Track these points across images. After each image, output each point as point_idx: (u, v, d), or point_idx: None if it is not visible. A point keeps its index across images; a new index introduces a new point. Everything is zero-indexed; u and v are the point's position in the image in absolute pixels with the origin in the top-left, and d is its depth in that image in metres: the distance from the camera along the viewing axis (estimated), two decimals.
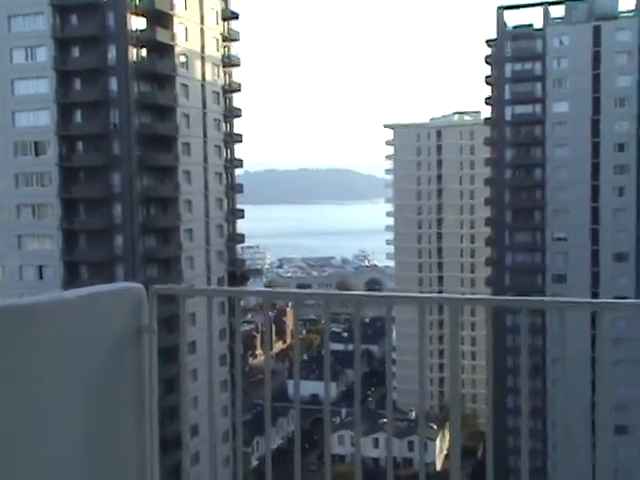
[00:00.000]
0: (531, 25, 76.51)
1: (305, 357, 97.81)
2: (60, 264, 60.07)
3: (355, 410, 3.50)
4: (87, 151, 60.75)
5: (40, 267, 60.79)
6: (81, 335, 2.69)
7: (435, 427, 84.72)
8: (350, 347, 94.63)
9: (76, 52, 60.68)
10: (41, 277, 60.79)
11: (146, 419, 2.93)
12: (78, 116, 60.95)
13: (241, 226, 74.75)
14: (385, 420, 75.72)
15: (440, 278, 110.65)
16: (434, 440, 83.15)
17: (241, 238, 74.84)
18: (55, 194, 59.98)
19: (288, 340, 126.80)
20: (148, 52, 62.05)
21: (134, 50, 60.60)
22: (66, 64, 59.92)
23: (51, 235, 60.33)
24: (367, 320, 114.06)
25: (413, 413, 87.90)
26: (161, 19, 61.48)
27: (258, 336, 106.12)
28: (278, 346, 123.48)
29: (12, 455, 2.50)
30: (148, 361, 2.93)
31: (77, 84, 60.79)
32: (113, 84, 59.89)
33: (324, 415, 3.69)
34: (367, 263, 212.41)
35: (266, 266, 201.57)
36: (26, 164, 60.52)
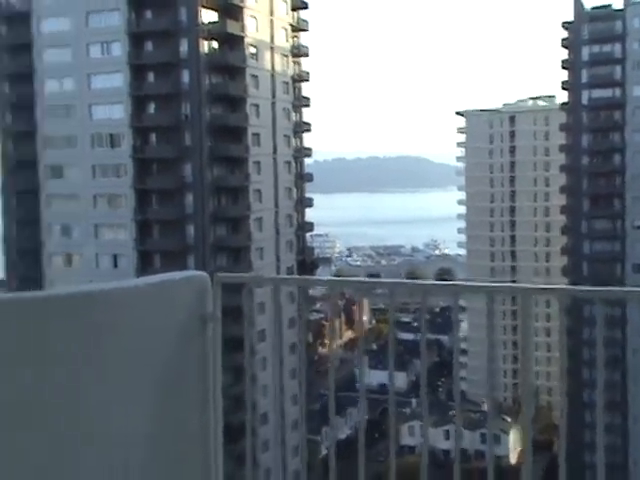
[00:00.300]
0: (610, 6, 74.22)
1: (374, 346, 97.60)
2: (134, 253, 61.54)
3: (422, 401, 3.47)
4: (160, 143, 61.94)
5: (115, 256, 62.44)
6: (147, 323, 2.69)
7: (509, 420, 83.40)
8: (419, 336, 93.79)
9: (149, 46, 61.88)
10: (116, 265, 62.41)
11: (210, 408, 2.93)
12: (151, 108, 62.19)
13: (310, 215, 75.03)
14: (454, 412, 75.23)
15: (513, 267, 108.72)
16: (507, 433, 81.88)
17: (310, 227, 75.11)
18: (129, 185, 61.42)
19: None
20: (219, 44, 62.82)
21: (205, 43, 61.43)
22: (140, 58, 61.16)
23: (125, 225, 61.83)
24: (437, 309, 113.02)
25: (485, 405, 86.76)
26: (231, 11, 62.11)
27: (327, 325, 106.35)
28: (347, 335, 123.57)
29: (77, 443, 2.50)
30: (212, 350, 2.93)
31: (150, 77, 62.00)
32: (185, 76, 60.86)
33: (389, 405, 3.66)
34: (438, 252, 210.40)
35: (335, 255, 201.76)
36: (102, 156, 62.20)
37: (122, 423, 2.61)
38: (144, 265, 60.69)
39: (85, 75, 62.08)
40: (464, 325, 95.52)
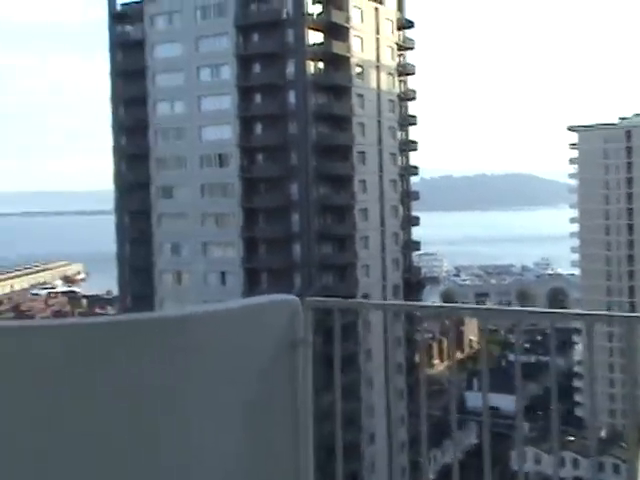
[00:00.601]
0: None
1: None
2: (241, 271, 62.47)
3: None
4: (267, 162, 62.86)
5: (223, 273, 63.62)
6: (237, 346, 2.70)
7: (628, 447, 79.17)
8: (532, 359, 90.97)
9: (257, 68, 63.11)
10: (224, 283, 63.54)
11: (300, 432, 2.91)
12: (258, 129, 63.26)
13: (417, 233, 74.16)
14: (571, 438, 71.98)
15: (631, 288, 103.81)
16: (625, 462, 77.73)
17: (417, 246, 74.23)
18: (237, 203, 62.55)
19: (466, 350, 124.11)
20: (325, 64, 63.37)
21: (311, 63, 62.04)
22: (248, 80, 62.44)
23: (233, 243, 62.92)
24: (547, 331, 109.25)
25: (603, 431, 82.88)
26: (338, 32, 62.60)
27: (435, 345, 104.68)
28: (456, 356, 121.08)
29: (169, 462, 2.52)
30: (302, 373, 2.93)
31: (257, 98, 63.15)
32: (291, 97, 61.66)
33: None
34: (549, 271, 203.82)
35: (443, 274, 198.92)
36: (211, 175, 63.75)
37: (213, 444, 2.62)
38: (251, 282, 61.45)
39: (195, 98, 63.95)
40: (579, 348, 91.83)
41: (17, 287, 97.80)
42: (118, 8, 67.11)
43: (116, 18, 66.75)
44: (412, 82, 74.79)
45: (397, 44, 70.39)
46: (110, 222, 68.51)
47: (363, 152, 64.89)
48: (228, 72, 63.11)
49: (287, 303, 2.89)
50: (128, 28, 66.67)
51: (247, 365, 2.73)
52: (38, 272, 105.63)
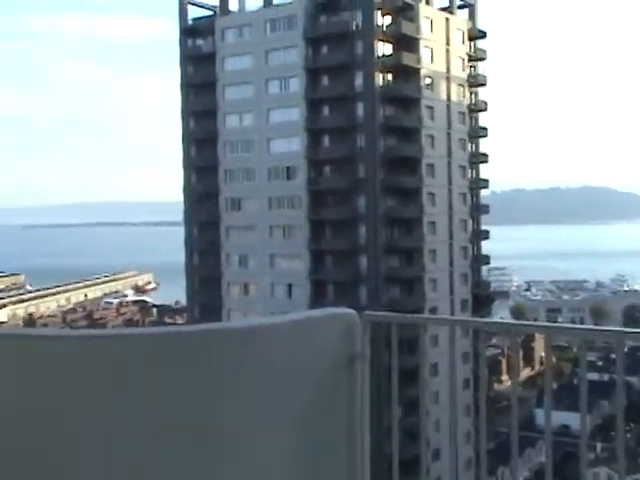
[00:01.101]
0: None
1: (555, 386, 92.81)
2: (307, 283, 62.49)
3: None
4: (334, 174, 62.82)
5: (289, 285, 63.78)
6: (292, 360, 2.67)
7: None
8: (605, 377, 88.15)
9: (325, 80, 63.26)
10: (290, 295, 63.69)
11: (357, 448, 2.87)
12: (326, 141, 63.30)
13: (486, 247, 72.88)
14: None
15: None
16: None
17: (486, 260, 72.95)
18: (304, 216, 62.67)
19: (536, 367, 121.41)
20: (394, 76, 63.02)
21: (380, 75, 61.81)
22: (316, 92, 62.64)
23: (300, 255, 63.03)
24: (625, 349, 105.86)
25: None
26: (407, 43, 62.22)
27: (504, 361, 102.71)
28: (526, 373, 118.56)
29: (221, 477, 2.53)
30: (360, 388, 2.87)
31: (326, 111, 63.25)
32: (360, 109, 61.53)
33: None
34: (626, 288, 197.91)
35: (513, 288, 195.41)
36: (278, 188, 64.07)
37: (266, 460, 2.61)
38: (317, 295, 61.46)
39: (264, 110, 64.48)
40: None
41: (90, 296, 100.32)
42: (190, 23, 68.33)
43: (187, 32, 68.00)
44: (483, 93, 73.91)
45: (468, 55, 69.56)
46: (179, 233, 69.59)
47: (432, 164, 64.19)
48: (297, 84, 63.44)
49: (345, 317, 2.84)
50: (199, 42, 67.80)
51: (305, 378, 2.71)
52: (110, 281, 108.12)
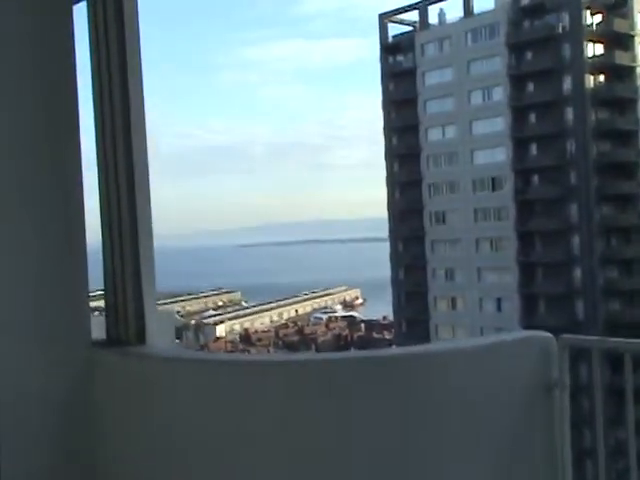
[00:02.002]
0: None
1: None
2: (517, 297, 60.57)
3: None
4: (543, 183, 60.57)
5: (498, 299, 62.18)
6: (482, 386, 2.56)
7: None
8: None
9: (530, 87, 61.31)
10: (499, 309, 62.11)
11: None
12: (533, 149, 61.25)
13: None
14: None
15: None
16: None
17: None
18: (512, 227, 60.91)
19: None
20: (606, 77, 59.80)
21: (591, 77, 58.93)
22: (521, 100, 60.89)
23: (508, 268, 61.27)
24: None
25: None
26: (620, 41, 58.99)
27: None
28: None
29: None
30: (559, 419, 2.64)
31: (532, 118, 61.23)
32: (569, 114, 58.95)
33: None
34: None
35: None
36: (484, 199, 62.85)
37: None
38: (528, 309, 59.47)
39: (467, 122, 63.67)
40: None
41: (301, 311, 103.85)
42: (389, 40, 69.15)
43: (388, 50, 68.85)
44: None
45: None
46: (385, 249, 70.24)
47: None
48: (500, 93, 62.09)
49: (541, 341, 2.67)
50: (399, 58, 68.38)
51: (496, 407, 2.57)
52: (320, 297, 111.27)
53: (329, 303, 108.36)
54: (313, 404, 2.43)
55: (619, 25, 58.72)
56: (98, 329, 3.09)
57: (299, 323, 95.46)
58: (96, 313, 3.27)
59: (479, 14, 63.81)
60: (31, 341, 2.88)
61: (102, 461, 2.88)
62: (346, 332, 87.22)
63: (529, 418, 2.63)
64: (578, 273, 58.29)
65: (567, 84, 59.01)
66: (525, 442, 2.61)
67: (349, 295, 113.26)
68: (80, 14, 3.04)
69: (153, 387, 2.75)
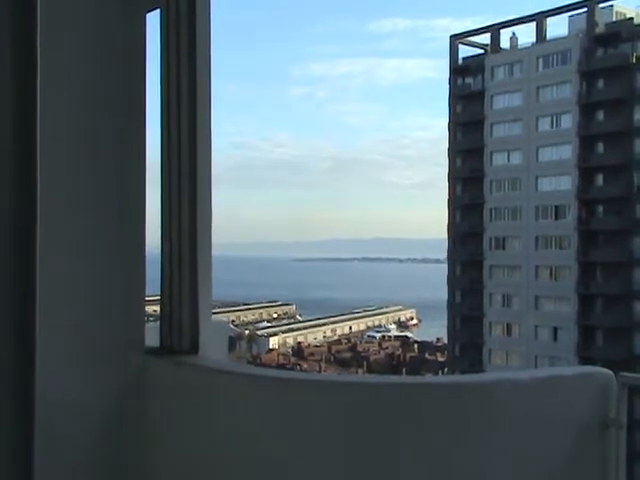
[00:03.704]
0: None
1: None
2: (575, 327, 59.35)
3: None
4: (607, 214, 59.33)
5: (555, 328, 61.02)
6: (533, 420, 2.48)
7: None
8: None
9: (600, 116, 60.26)
10: (555, 339, 60.96)
11: None
12: (599, 180, 60.11)
13: None
14: None
15: None
16: None
17: None
18: (573, 257, 59.79)
19: None
20: None
21: None
22: (589, 129, 59.88)
23: (567, 297, 60.13)
24: None
25: None
26: None
27: None
28: None
29: None
30: (615, 461, 2.55)
31: (600, 148, 60.13)
32: (637, 146, 57.76)
33: None
34: None
35: None
36: (546, 227, 61.88)
37: None
38: (585, 340, 58.25)
39: (533, 148, 62.88)
40: None
41: (354, 329, 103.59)
42: (459, 62, 68.86)
43: (457, 71, 68.54)
44: None
45: None
46: (442, 270, 69.71)
47: None
48: (569, 121, 61.12)
49: (599, 377, 2.59)
50: (468, 80, 68.01)
51: (548, 444, 2.45)
52: (374, 315, 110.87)
53: (383, 322, 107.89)
54: (358, 428, 2.38)
55: None
56: (152, 336, 3.09)
57: (352, 340, 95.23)
58: (151, 319, 3.27)
59: (552, 40, 63.09)
60: (84, 345, 2.90)
61: (150, 469, 2.88)
62: (399, 352, 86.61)
63: (583, 456, 2.55)
64: (638, 307, 56.90)
65: (638, 114, 57.85)
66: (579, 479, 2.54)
67: (404, 315, 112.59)
68: (153, 22, 3.08)
69: (203, 398, 2.74)
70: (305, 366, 75.79)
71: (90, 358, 2.89)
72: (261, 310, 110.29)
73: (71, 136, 2.91)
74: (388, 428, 2.36)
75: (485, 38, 67.83)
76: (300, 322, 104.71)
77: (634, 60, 57.73)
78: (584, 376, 2.69)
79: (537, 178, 62.85)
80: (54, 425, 2.73)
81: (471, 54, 68.68)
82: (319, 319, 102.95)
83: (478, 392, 2.48)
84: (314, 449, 2.40)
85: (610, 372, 2.60)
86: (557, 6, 62.81)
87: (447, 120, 68.81)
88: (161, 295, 3.08)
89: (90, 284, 2.93)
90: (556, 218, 61.75)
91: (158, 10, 3.05)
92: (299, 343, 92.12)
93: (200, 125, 2.96)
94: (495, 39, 66.64)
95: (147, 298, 3.10)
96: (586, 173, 60.01)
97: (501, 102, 64.99)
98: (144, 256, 3.05)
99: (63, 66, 2.88)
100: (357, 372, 71.80)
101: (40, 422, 2.65)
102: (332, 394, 2.46)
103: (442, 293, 69.43)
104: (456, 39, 69.05)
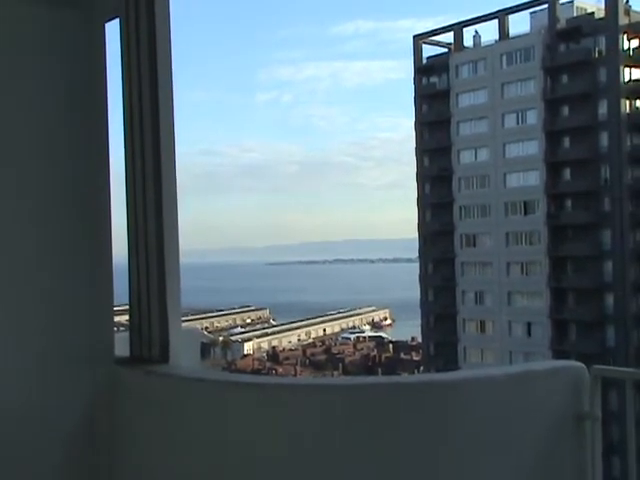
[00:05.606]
0: None
1: None
2: (548, 322, 59.85)
3: None
4: (576, 209, 59.94)
5: (528, 324, 61.50)
6: (507, 417, 2.48)
7: None
8: None
9: (565, 111, 60.88)
10: (529, 334, 61.44)
11: None
12: (567, 174, 60.72)
13: None
14: None
15: None
16: None
17: None
18: (543, 252, 60.30)
19: None
20: None
21: (626, 102, 58.35)
22: (555, 124, 60.45)
23: (539, 292, 60.64)
24: None
25: None
26: None
27: None
28: None
29: None
30: (590, 454, 2.55)
31: (566, 142, 60.74)
32: (604, 139, 58.37)
33: None
34: None
35: None
36: (515, 223, 62.36)
37: None
38: (558, 335, 58.74)
39: (500, 145, 63.38)
40: None
41: (328, 331, 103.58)
42: (424, 62, 69.19)
43: (421, 71, 68.89)
44: None
45: None
46: (414, 270, 69.96)
47: None
48: (535, 117, 61.69)
49: (571, 371, 2.62)
50: (433, 80, 68.37)
51: (524, 439, 2.48)
52: (348, 317, 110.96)
53: (357, 323, 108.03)
54: (335, 429, 2.37)
55: None
56: (122, 346, 3.06)
57: (327, 342, 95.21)
58: (122, 329, 3.24)
59: (514, 37, 63.65)
60: (54, 357, 2.87)
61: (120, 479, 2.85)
62: (374, 352, 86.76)
63: (559, 449, 2.55)
64: (610, 299, 57.51)
65: (602, 109, 58.49)
66: (555, 473, 2.55)
67: (378, 315, 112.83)
68: (113, 31, 3.06)
69: (174, 407, 2.72)
70: (280, 370, 75.61)
71: (58, 370, 2.85)
72: (234, 316, 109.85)
73: (33, 150, 2.88)
74: (363, 429, 2.35)
75: (448, 37, 68.29)
76: (274, 326, 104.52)
77: (596, 55, 58.46)
78: (556, 370, 2.69)
79: (505, 174, 63.32)
80: (26, 433, 2.70)
81: (435, 53, 69.08)
82: (293, 323, 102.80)
83: (452, 390, 2.47)
84: (288, 453, 2.39)
85: (582, 365, 2.60)
86: (518, 3, 63.43)
87: (414, 120, 69.15)
88: (130, 305, 3.05)
89: (56, 297, 2.90)
90: (525, 213, 62.25)
91: (117, 20, 3.03)
92: (274, 347, 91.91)
93: (164, 133, 2.94)
94: (458, 38, 67.10)
95: (118, 308, 3.07)
96: (553, 168, 60.57)
97: (466, 100, 65.41)
98: (111, 267, 3.02)
99: (20, 77, 2.85)
100: (333, 374, 71.81)
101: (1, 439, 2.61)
102: (306, 397, 2.44)
103: (415, 292, 69.70)
104: (419, 39, 69.39)
